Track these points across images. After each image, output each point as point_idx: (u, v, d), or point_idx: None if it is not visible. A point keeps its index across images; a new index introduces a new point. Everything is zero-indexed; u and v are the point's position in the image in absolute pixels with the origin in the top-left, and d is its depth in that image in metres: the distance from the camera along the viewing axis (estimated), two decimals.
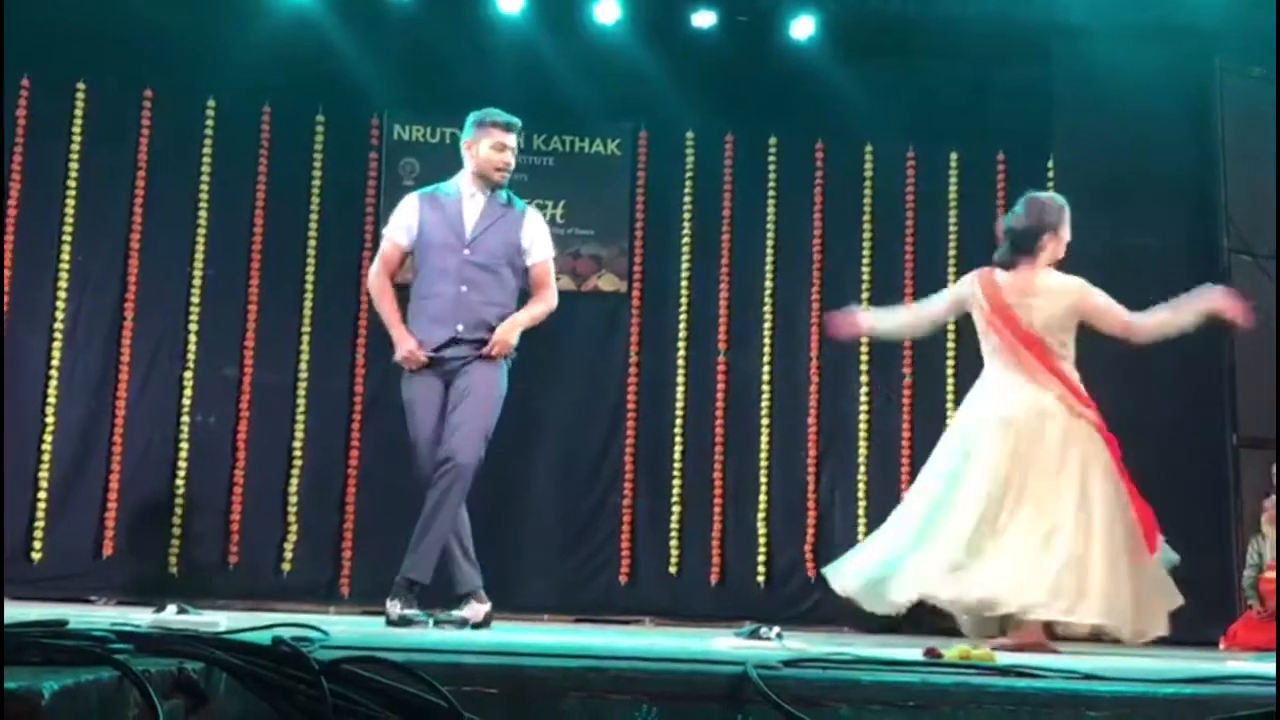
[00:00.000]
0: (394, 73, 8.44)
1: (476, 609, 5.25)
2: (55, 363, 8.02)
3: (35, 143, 8.09)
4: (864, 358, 8.58)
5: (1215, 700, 2.37)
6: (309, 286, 8.39)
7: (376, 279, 5.47)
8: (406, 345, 5.28)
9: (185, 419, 8.15)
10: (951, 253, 8.74)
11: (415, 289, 5.40)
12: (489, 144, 5.43)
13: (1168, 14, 8.07)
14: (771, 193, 8.78)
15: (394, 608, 5.08)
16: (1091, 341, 8.27)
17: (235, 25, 8.18)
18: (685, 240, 8.70)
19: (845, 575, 5.14)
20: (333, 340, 8.37)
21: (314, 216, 8.45)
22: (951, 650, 3.32)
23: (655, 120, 8.72)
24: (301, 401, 8.29)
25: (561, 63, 8.42)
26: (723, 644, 3.48)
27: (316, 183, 8.48)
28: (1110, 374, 8.21)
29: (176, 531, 8.02)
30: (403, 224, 5.42)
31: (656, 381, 8.59)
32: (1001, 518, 4.94)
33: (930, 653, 3.30)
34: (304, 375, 8.31)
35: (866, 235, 8.73)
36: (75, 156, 8.20)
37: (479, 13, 8.44)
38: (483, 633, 4.88)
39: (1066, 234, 5.40)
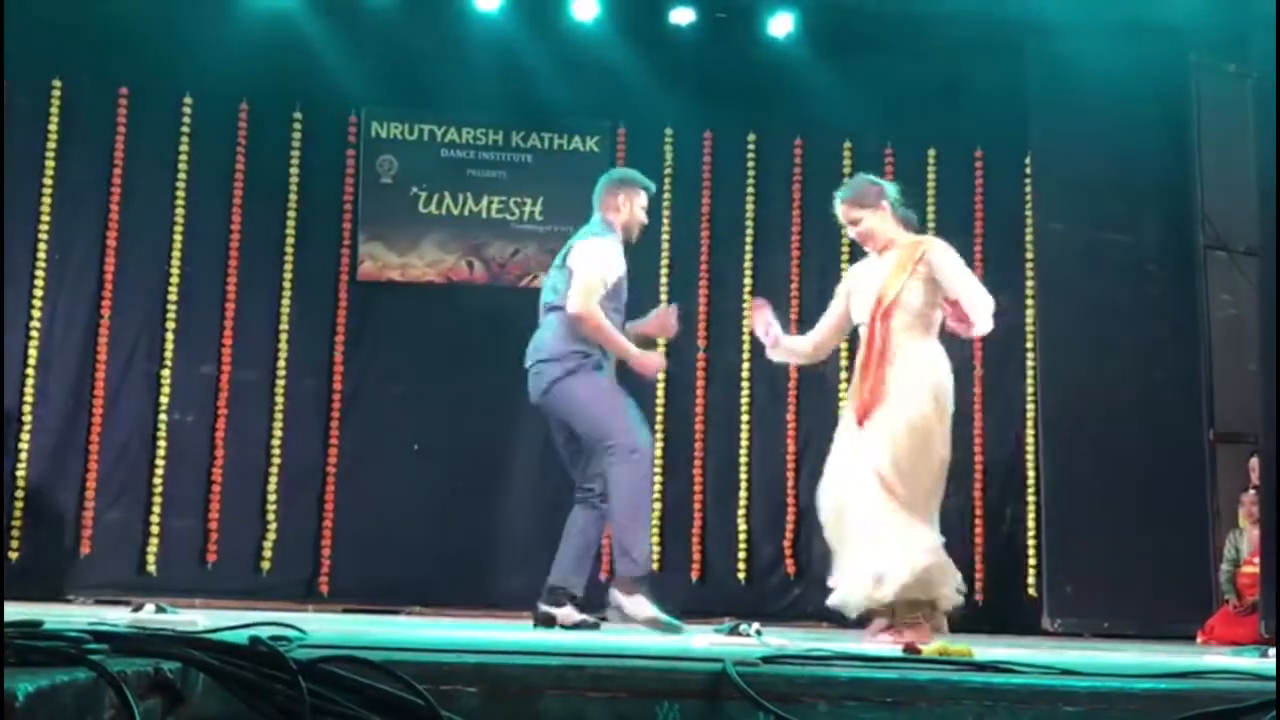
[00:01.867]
0: (372, 70, 8.42)
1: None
2: (32, 361, 7.99)
3: (11, 140, 8.03)
4: (842, 353, 8.60)
5: (1192, 695, 2.38)
6: (287, 284, 8.37)
7: (600, 314, 5.48)
8: (657, 360, 5.68)
9: (163, 417, 8.12)
10: None
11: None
12: (640, 205, 5.76)
13: (1142, 11, 8.10)
14: (750, 189, 8.79)
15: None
16: (1071, 340, 8.34)
17: (212, 22, 8.15)
18: (664, 237, 8.71)
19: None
20: (311, 338, 8.35)
21: (291, 214, 8.43)
22: (929, 646, 3.34)
23: (634, 117, 8.72)
24: (280, 400, 8.26)
25: (540, 60, 8.42)
26: (702, 641, 3.48)
27: (294, 180, 8.46)
28: (1086, 371, 8.28)
29: (154, 530, 7.99)
30: (621, 269, 5.61)
31: (636, 378, 8.56)
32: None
33: (909, 648, 3.31)
34: (282, 373, 8.29)
35: (846, 232, 8.74)
36: (51, 154, 8.16)
37: (457, 10, 8.42)
38: (461, 631, 4.88)
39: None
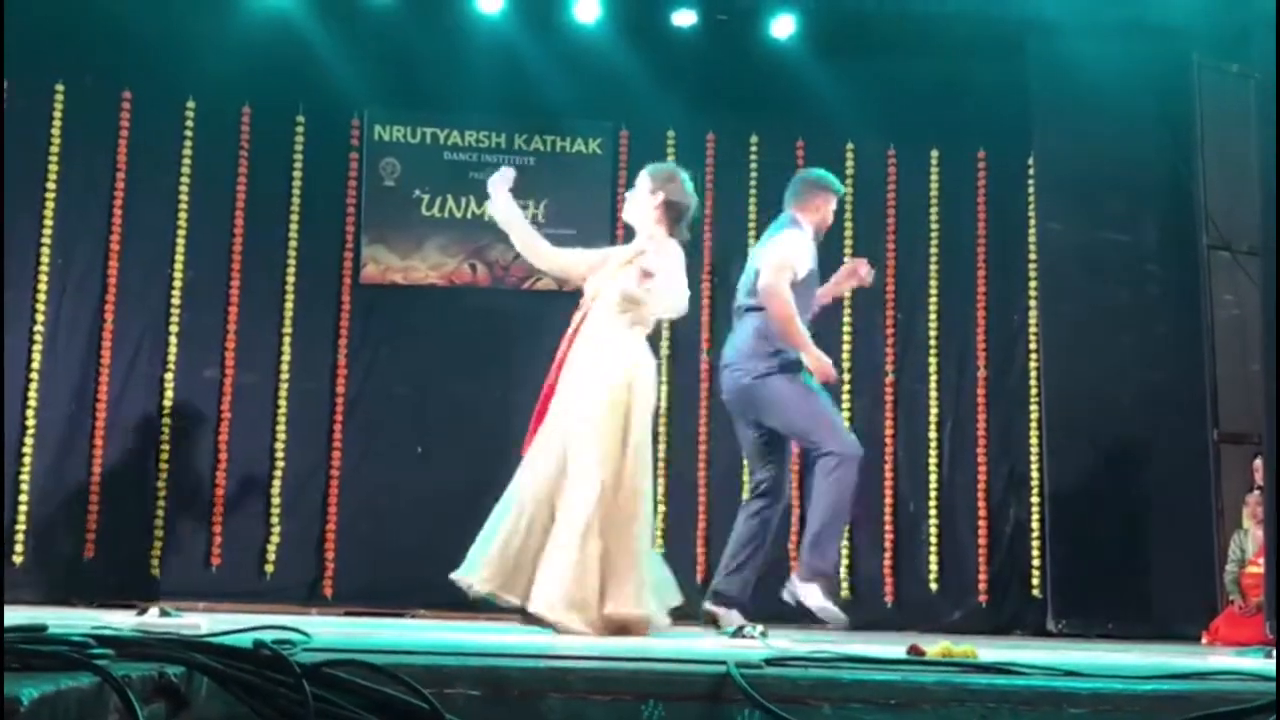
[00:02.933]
0: (374, 73, 8.43)
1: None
2: (36, 365, 7.99)
3: (14, 145, 8.04)
4: (845, 356, 8.60)
5: (1197, 696, 2.38)
6: (290, 287, 8.37)
7: (788, 296, 5.58)
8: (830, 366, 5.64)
9: (166, 420, 8.12)
10: (933, 250, 8.77)
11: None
12: (831, 209, 5.90)
13: (1144, 10, 8.10)
14: (753, 191, 8.78)
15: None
16: (1074, 340, 8.33)
17: (214, 26, 8.16)
18: None
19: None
20: (314, 341, 8.35)
21: (294, 217, 8.43)
22: (934, 648, 3.34)
23: (636, 119, 8.72)
24: (283, 403, 8.27)
25: (542, 62, 8.42)
26: (706, 643, 3.48)
27: (297, 183, 8.46)
28: (1089, 371, 8.27)
29: (158, 533, 8.00)
30: (812, 263, 5.74)
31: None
32: None
33: (913, 650, 3.31)
34: (285, 376, 8.29)
35: (848, 234, 8.74)
36: (54, 158, 8.17)
37: (459, 12, 8.43)
38: (464, 634, 4.87)
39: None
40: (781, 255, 5.60)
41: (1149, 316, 8.37)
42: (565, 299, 8.48)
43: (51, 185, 8.15)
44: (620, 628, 4.69)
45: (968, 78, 8.68)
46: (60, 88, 8.22)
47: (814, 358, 5.57)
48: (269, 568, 8.09)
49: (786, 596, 5.58)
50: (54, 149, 8.18)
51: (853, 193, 8.79)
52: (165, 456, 8.09)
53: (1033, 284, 8.59)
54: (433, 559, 8.03)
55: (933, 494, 8.51)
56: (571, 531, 4.77)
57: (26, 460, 7.89)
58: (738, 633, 3.81)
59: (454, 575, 4.96)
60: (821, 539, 5.52)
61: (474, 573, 4.90)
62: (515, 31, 8.42)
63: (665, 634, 4.97)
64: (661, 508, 8.45)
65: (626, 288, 4.95)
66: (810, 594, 5.46)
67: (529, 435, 5.09)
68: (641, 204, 5.20)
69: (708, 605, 5.57)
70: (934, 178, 8.82)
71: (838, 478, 5.51)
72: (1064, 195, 8.42)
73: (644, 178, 5.27)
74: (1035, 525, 8.43)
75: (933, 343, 8.62)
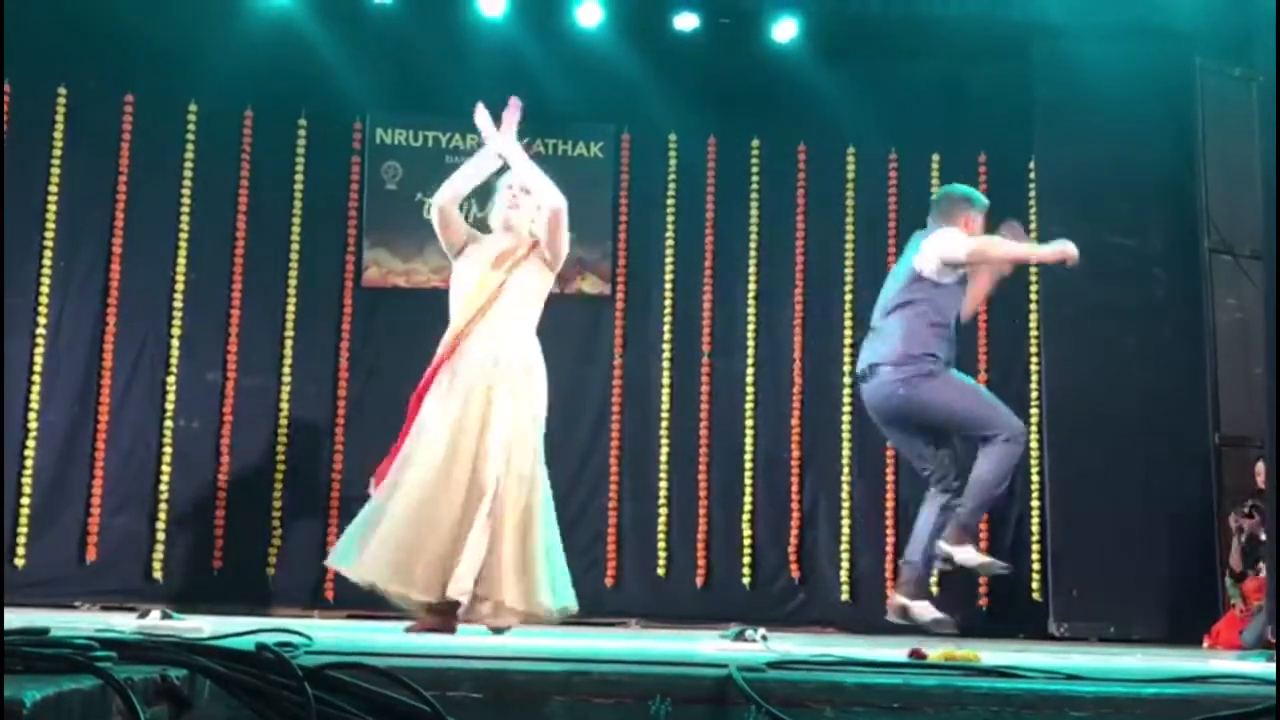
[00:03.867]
0: (376, 76, 8.44)
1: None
2: (38, 368, 8.00)
3: (16, 148, 8.05)
4: (847, 358, 8.60)
5: (1199, 699, 2.38)
6: (292, 290, 8.38)
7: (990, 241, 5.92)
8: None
9: (168, 423, 8.13)
10: None
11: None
12: (978, 224, 6.06)
13: (1147, 14, 8.10)
14: (754, 195, 8.79)
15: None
16: (1076, 344, 8.33)
17: (216, 29, 8.17)
18: (669, 243, 8.71)
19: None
20: (315, 344, 8.36)
21: (296, 220, 8.43)
22: (936, 651, 3.34)
23: (638, 123, 8.73)
24: (285, 406, 8.27)
25: (544, 65, 8.42)
26: (708, 646, 3.48)
27: (299, 186, 8.46)
28: (1091, 375, 8.27)
29: (160, 536, 8.00)
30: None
31: (641, 384, 8.59)
32: None
33: (914, 654, 3.32)
34: (287, 379, 8.29)
35: (849, 237, 8.75)
36: (57, 161, 8.17)
37: (461, 15, 8.44)
38: (466, 637, 4.86)
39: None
40: (948, 235, 5.75)
41: (1151, 320, 8.37)
42: (566, 301, 8.52)
43: (54, 188, 8.16)
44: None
45: (969, 81, 8.69)
46: (63, 91, 8.23)
47: (1046, 253, 5.92)
48: (271, 570, 8.09)
49: (938, 565, 5.53)
50: (56, 152, 8.18)
51: (853, 196, 8.80)
52: (167, 459, 8.10)
53: (1034, 287, 8.58)
54: None
55: None
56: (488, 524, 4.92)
57: (28, 463, 7.89)
58: (740, 635, 3.81)
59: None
60: (980, 506, 5.50)
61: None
62: (517, 35, 8.43)
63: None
64: (663, 510, 8.46)
65: (523, 290, 5.23)
66: (967, 554, 5.41)
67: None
68: (530, 210, 5.46)
69: (900, 599, 5.51)
70: (935, 181, 8.80)
71: (1009, 451, 5.44)
72: (1065, 199, 8.42)
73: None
74: (1036, 528, 8.44)
75: None
